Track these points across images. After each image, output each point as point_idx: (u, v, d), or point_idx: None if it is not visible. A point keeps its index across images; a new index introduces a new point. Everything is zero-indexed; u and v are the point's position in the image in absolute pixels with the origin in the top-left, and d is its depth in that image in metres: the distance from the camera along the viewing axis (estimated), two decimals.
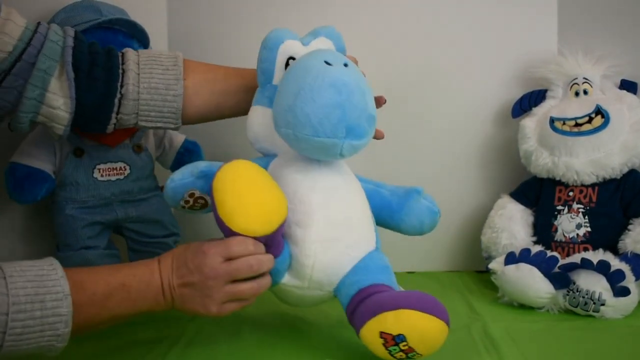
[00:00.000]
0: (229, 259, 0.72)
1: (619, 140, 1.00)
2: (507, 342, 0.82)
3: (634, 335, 0.86)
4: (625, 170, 1.01)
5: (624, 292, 0.90)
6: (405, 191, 0.86)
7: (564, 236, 1.02)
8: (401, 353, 0.70)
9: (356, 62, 0.88)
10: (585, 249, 0.99)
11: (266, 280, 0.75)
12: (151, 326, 0.88)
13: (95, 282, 0.70)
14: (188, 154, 1.10)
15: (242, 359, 0.80)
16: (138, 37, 1.01)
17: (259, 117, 0.83)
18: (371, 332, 0.71)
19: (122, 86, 0.85)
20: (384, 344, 0.70)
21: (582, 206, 1.02)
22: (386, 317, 0.70)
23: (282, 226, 0.74)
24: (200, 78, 0.90)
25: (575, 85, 1.09)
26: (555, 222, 1.03)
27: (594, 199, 1.01)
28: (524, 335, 0.85)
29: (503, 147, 1.19)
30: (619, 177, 1.01)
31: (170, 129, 0.91)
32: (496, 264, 1.00)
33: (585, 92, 1.08)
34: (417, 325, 0.69)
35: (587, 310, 0.91)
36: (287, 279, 0.78)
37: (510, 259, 0.98)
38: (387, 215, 0.86)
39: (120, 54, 0.88)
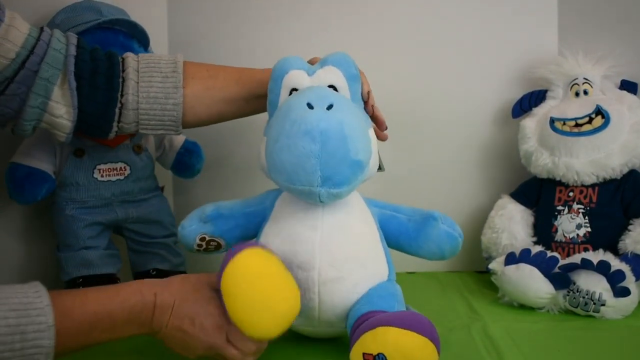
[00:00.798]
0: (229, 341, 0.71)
1: (619, 140, 1.00)
2: (507, 342, 0.82)
3: (634, 336, 0.86)
4: (626, 170, 1.01)
5: (624, 292, 0.90)
6: (422, 217, 0.82)
7: (564, 236, 1.02)
8: None
9: (363, 76, 0.84)
10: (586, 250, 0.99)
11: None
12: None
13: (83, 312, 0.67)
14: (188, 154, 1.10)
15: None
16: (138, 37, 1.00)
17: None
18: (356, 355, 0.70)
19: (122, 95, 0.85)
20: None
21: (582, 206, 1.02)
22: (366, 337, 0.68)
23: None
24: (201, 86, 0.89)
25: (576, 86, 1.09)
26: (556, 223, 1.03)
27: (594, 199, 1.01)
28: (524, 335, 0.85)
29: (503, 147, 1.19)
30: (619, 178, 1.01)
31: (172, 134, 0.90)
32: (496, 264, 1.00)
33: (585, 93, 1.08)
34: (395, 342, 0.67)
35: (587, 311, 0.91)
36: (297, 322, 0.75)
37: (511, 259, 0.98)
38: (405, 242, 0.83)
39: (120, 60, 0.87)
